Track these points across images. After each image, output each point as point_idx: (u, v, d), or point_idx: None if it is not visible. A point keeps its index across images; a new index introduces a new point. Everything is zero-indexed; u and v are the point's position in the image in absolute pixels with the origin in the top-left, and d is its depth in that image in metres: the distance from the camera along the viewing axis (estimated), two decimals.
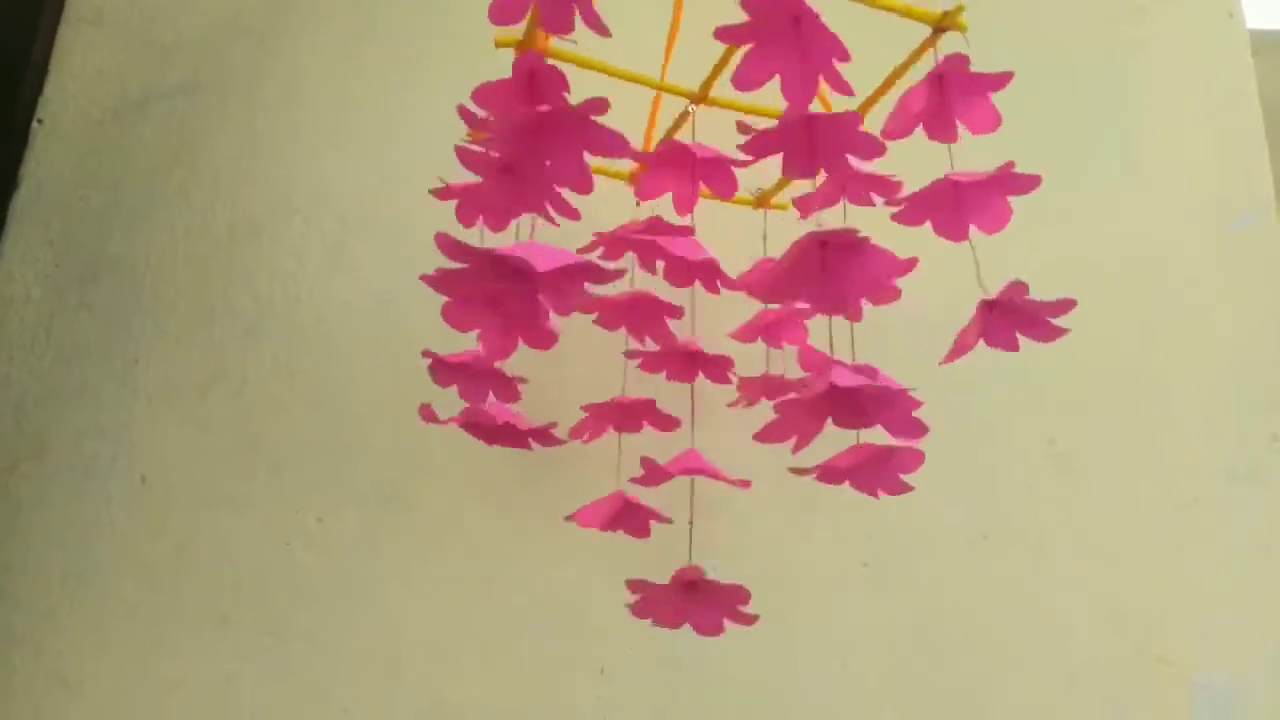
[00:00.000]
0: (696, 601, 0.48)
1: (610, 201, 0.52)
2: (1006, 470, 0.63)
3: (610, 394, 0.53)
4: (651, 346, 0.54)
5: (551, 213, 0.46)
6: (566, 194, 0.46)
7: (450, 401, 0.52)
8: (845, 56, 0.40)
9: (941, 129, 0.45)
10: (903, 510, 0.62)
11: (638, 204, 0.52)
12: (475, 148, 0.45)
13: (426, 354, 0.50)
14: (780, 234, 0.54)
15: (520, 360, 0.49)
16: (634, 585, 0.48)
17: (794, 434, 0.45)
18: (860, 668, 0.61)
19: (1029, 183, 0.44)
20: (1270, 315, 0.65)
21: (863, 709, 0.60)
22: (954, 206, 0.45)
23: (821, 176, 0.45)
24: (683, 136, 0.51)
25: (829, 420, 0.44)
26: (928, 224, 0.47)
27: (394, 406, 0.68)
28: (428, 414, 0.52)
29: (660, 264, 0.53)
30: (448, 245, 0.41)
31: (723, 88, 0.49)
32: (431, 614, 0.64)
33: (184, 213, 0.77)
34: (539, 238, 0.44)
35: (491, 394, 0.52)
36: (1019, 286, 0.42)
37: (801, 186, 0.52)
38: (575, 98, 0.42)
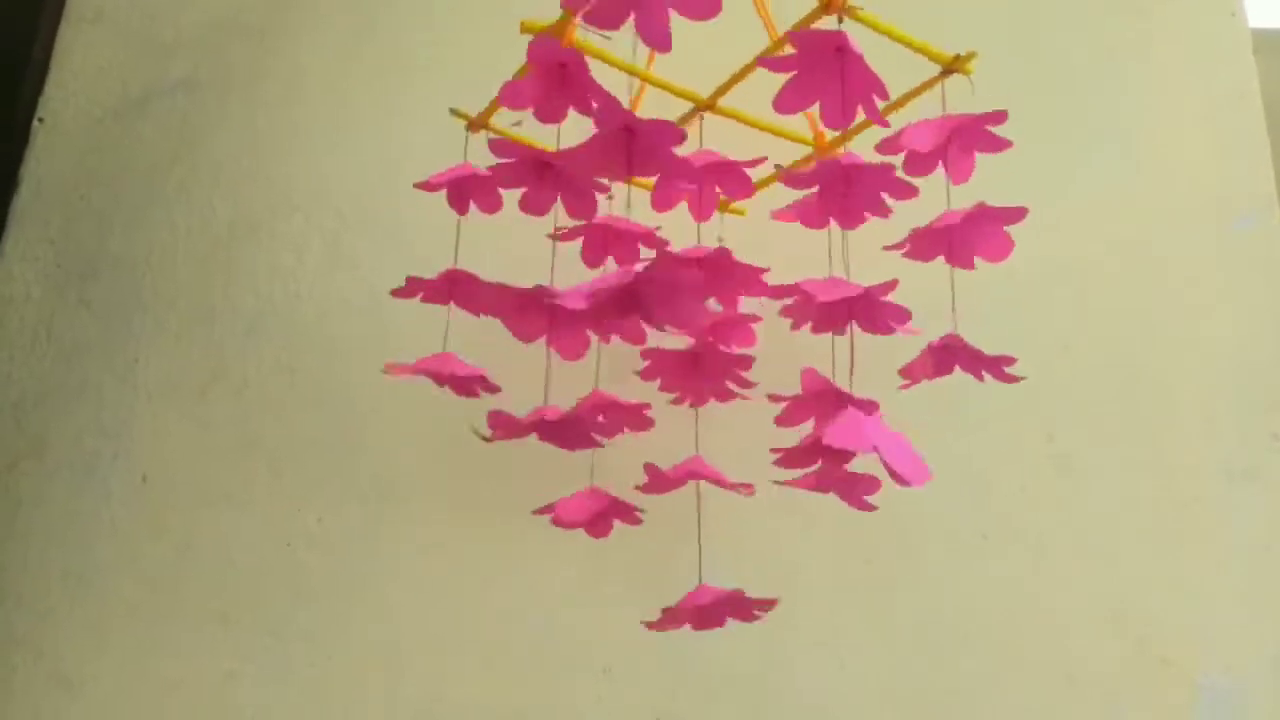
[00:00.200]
0: (704, 615, 0.48)
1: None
2: (1006, 470, 0.63)
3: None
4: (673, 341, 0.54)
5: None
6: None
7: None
8: (884, 93, 0.43)
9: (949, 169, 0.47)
10: (903, 509, 0.61)
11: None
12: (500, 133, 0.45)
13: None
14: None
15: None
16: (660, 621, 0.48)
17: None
18: (860, 668, 0.61)
19: (1015, 215, 0.45)
20: (1270, 315, 0.65)
21: (862, 709, 0.60)
22: (956, 241, 0.47)
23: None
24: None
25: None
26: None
27: (395, 405, 0.68)
28: (394, 369, 0.52)
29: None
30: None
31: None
32: (431, 614, 0.64)
33: (184, 210, 0.77)
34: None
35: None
36: (956, 338, 0.47)
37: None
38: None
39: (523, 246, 0.51)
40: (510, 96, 0.45)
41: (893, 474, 0.40)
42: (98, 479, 0.71)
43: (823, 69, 0.43)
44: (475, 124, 0.55)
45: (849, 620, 0.62)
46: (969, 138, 0.46)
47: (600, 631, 0.62)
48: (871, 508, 0.48)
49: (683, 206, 0.53)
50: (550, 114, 0.45)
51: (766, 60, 0.44)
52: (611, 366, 0.51)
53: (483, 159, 0.49)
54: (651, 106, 0.56)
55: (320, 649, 0.64)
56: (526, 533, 0.63)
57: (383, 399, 0.68)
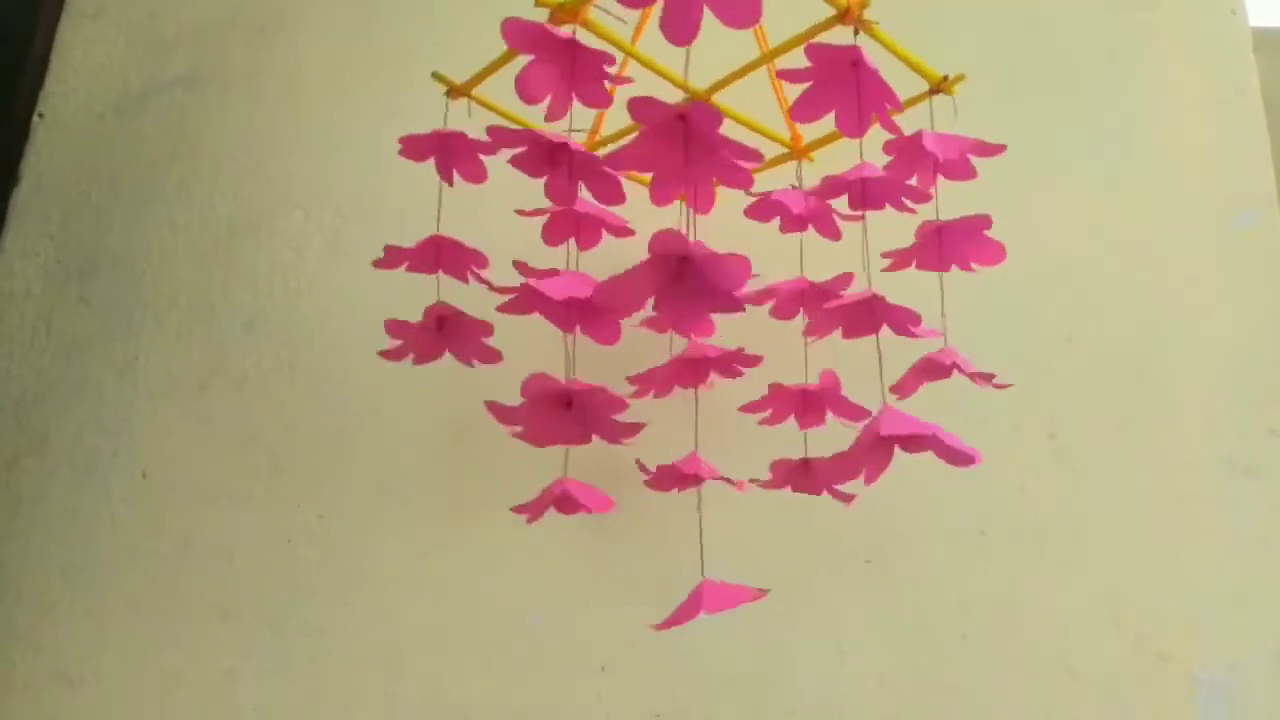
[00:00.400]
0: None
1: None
2: (1006, 466, 0.63)
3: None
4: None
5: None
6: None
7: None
8: (897, 103, 0.44)
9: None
10: (903, 506, 0.62)
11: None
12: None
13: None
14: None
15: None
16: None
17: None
18: (859, 664, 0.61)
19: (981, 223, 0.47)
20: (1269, 312, 0.65)
21: (861, 706, 0.60)
22: (946, 252, 0.50)
23: None
24: None
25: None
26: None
27: (395, 402, 0.68)
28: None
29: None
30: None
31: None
32: (431, 611, 0.64)
33: (184, 207, 0.77)
34: None
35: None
36: (948, 352, 0.48)
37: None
38: None
39: (518, 228, 0.51)
40: (524, 86, 0.44)
41: (951, 455, 0.41)
42: (98, 475, 0.71)
43: (838, 81, 0.44)
44: (456, 91, 0.54)
45: (848, 617, 0.62)
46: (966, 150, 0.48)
47: (599, 629, 0.62)
48: (851, 497, 0.50)
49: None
50: (563, 107, 0.45)
51: (785, 72, 0.44)
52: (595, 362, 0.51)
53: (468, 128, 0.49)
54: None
55: (320, 645, 0.64)
56: (526, 531, 0.64)
57: (383, 396, 0.68)
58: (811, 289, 0.54)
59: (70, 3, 0.86)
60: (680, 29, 0.40)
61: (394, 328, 0.54)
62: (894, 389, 0.50)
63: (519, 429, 0.48)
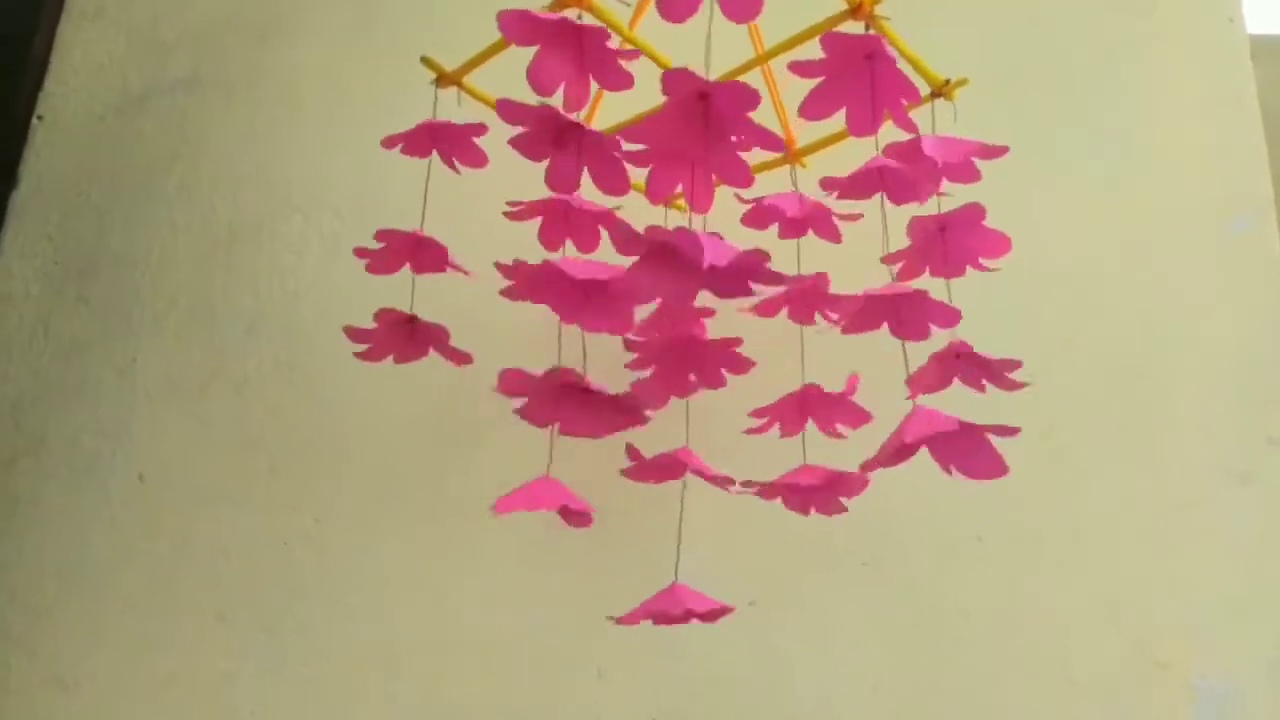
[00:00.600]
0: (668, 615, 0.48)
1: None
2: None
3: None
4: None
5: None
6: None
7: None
8: (915, 97, 0.42)
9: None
10: (900, 510, 0.62)
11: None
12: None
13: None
14: None
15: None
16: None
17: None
18: (855, 668, 0.61)
19: (976, 213, 0.46)
20: (1267, 317, 0.65)
21: (857, 710, 0.60)
22: (951, 249, 0.49)
23: None
24: None
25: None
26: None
27: (393, 405, 0.68)
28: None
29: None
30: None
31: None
32: (427, 613, 0.64)
33: (184, 209, 0.77)
34: None
35: None
36: (963, 345, 0.47)
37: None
38: None
39: (516, 231, 0.51)
40: (537, 77, 0.43)
41: (980, 464, 0.42)
42: (96, 477, 0.71)
43: (851, 74, 0.43)
44: (446, 79, 0.54)
45: (845, 621, 0.62)
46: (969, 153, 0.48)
47: (595, 632, 0.62)
48: (843, 509, 0.50)
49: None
50: (580, 97, 0.43)
51: (797, 65, 0.43)
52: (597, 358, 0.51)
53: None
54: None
55: (317, 648, 0.64)
56: (523, 533, 0.64)
57: (381, 399, 0.68)
58: (814, 287, 0.53)
59: (70, 3, 0.86)
60: (677, 7, 0.40)
61: (355, 334, 0.54)
62: (909, 382, 0.48)
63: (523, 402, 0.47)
